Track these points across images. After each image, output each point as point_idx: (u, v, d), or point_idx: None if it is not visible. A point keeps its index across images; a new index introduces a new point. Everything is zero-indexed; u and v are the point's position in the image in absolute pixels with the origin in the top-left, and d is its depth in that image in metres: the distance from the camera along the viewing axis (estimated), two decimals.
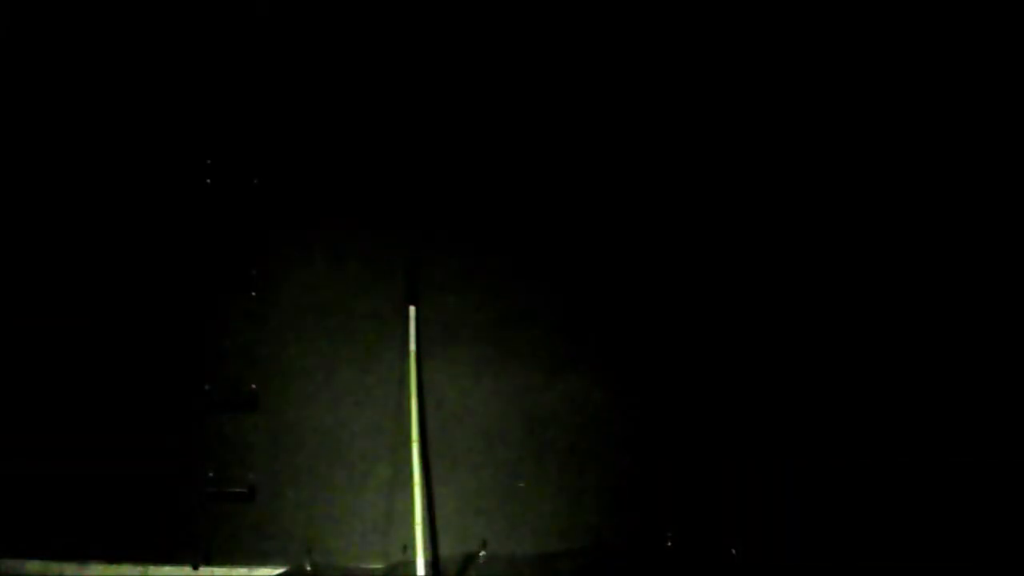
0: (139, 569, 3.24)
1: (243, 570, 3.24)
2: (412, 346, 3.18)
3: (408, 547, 3.16)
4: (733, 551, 3.15)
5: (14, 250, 3.24)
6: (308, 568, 3.22)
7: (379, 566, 3.21)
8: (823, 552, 3.10)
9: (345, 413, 3.24)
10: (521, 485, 3.24)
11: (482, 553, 3.22)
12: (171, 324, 3.23)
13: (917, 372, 3.10)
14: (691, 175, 3.18)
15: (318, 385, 3.24)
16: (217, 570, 3.25)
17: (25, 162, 3.22)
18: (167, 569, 3.25)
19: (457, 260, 3.23)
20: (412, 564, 3.08)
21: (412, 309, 3.20)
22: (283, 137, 3.21)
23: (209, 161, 3.20)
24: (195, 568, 3.25)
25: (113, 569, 3.24)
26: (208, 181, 3.22)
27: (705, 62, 3.15)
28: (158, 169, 3.20)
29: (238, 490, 3.24)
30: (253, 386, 3.24)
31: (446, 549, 3.24)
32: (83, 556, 3.25)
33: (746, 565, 3.14)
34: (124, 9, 3.15)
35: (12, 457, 3.24)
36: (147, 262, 3.22)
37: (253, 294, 3.23)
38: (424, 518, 3.14)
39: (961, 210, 3.10)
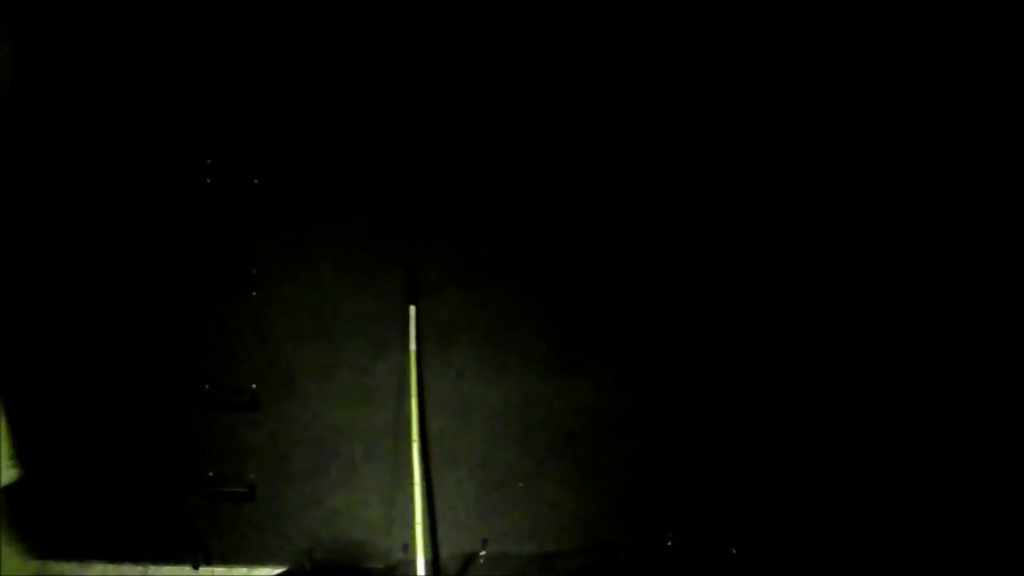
0: (139, 569, 3.25)
1: (243, 570, 3.25)
2: (412, 346, 3.18)
3: (408, 547, 3.17)
4: (733, 551, 3.16)
5: (14, 250, 3.24)
6: (308, 568, 3.22)
7: (379, 566, 3.22)
8: (823, 552, 3.10)
9: (345, 413, 3.24)
10: (521, 485, 3.24)
11: (482, 553, 3.22)
12: (171, 324, 3.23)
13: (918, 372, 3.10)
14: (691, 176, 3.17)
15: (318, 385, 3.24)
16: (217, 570, 3.25)
17: (23, 162, 3.22)
18: (167, 569, 3.26)
19: (458, 260, 3.23)
20: (412, 564, 3.09)
21: (412, 309, 3.20)
22: (283, 137, 3.21)
23: (209, 161, 3.20)
24: (195, 568, 3.25)
25: (113, 569, 3.24)
26: (208, 181, 3.22)
27: (705, 63, 3.15)
28: (158, 169, 3.20)
29: (238, 490, 3.24)
30: (253, 386, 3.24)
31: (446, 549, 3.24)
32: (83, 556, 3.25)
33: (746, 565, 3.14)
34: (123, 8, 3.14)
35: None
36: (147, 262, 3.22)
37: (253, 294, 3.23)
38: (424, 518, 3.14)
39: (961, 210, 3.09)
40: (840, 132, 3.12)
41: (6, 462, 1.14)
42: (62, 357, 3.24)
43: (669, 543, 3.19)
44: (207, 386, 3.24)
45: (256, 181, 3.22)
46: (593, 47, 3.15)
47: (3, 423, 1.10)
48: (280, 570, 3.22)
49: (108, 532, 3.26)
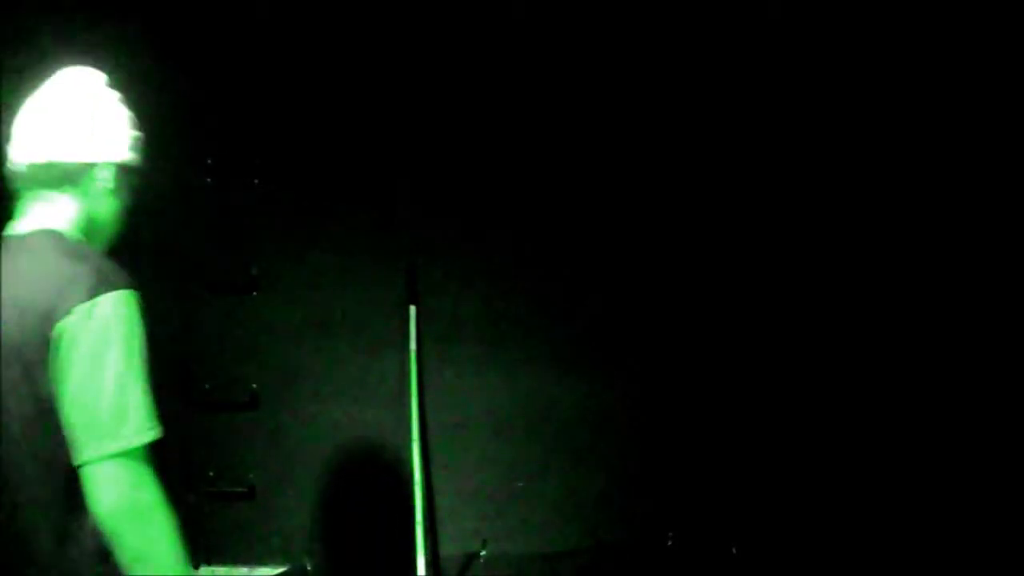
0: None
1: (243, 570, 3.24)
2: (412, 346, 3.18)
3: (409, 547, 3.16)
4: (733, 551, 3.15)
5: None
6: (308, 568, 3.22)
7: (379, 566, 3.21)
8: (823, 552, 3.09)
9: (345, 412, 3.24)
10: (521, 485, 3.24)
11: (482, 553, 3.22)
12: (171, 324, 3.23)
13: (917, 371, 3.09)
14: (695, 176, 3.18)
15: (318, 385, 3.24)
16: (217, 570, 3.25)
17: None
18: None
19: (458, 260, 3.23)
20: (412, 564, 3.09)
21: (413, 309, 3.20)
22: (283, 136, 3.21)
23: (209, 161, 3.21)
24: (195, 568, 3.25)
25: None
26: (208, 181, 3.22)
27: (705, 63, 3.15)
28: (158, 169, 3.19)
29: (238, 490, 3.24)
30: (253, 386, 3.24)
31: (446, 549, 3.24)
32: None
33: (746, 565, 3.14)
34: (124, 7, 3.14)
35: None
36: (147, 262, 3.21)
37: (253, 294, 3.23)
38: (424, 518, 3.14)
39: (960, 211, 3.10)
40: (840, 133, 3.13)
41: (151, 423, 1.43)
42: None
43: (669, 543, 3.19)
44: (207, 386, 3.24)
45: (256, 181, 3.22)
46: (595, 46, 3.15)
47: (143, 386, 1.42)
48: (280, 570, 3.22)
49: None
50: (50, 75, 1.61)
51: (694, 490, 3.20)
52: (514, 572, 3.19)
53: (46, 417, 1.38)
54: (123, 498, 1.39)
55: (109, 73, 1.70)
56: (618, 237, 3.21)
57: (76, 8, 3.07)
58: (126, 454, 1.39)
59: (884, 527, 3.11)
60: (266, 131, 3.20)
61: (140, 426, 1.41)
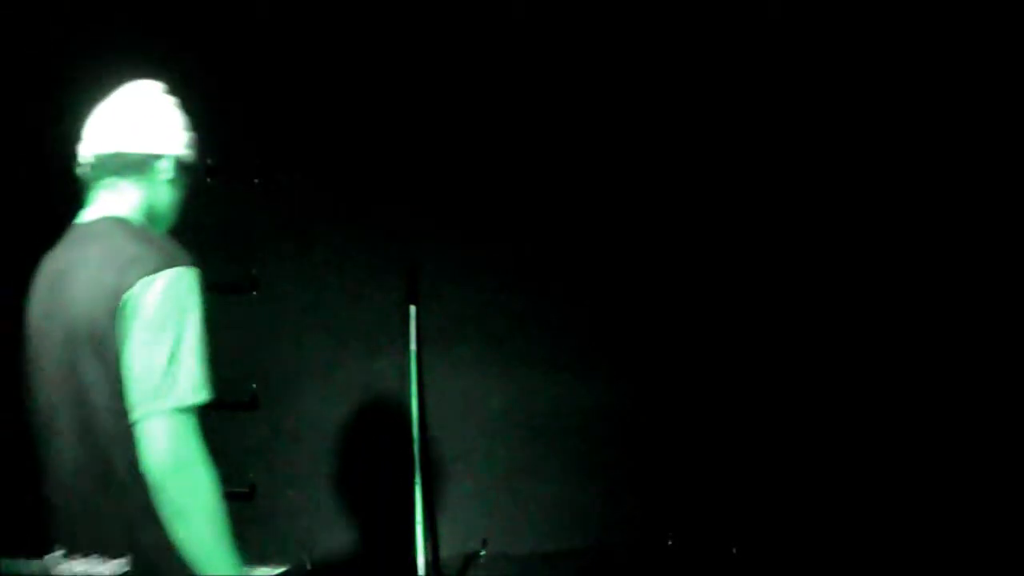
0: None
1: (243, 570, 3.24)
2: (413, 346, 3.18)
3: (409, 547, 3.16)
4: (733, 551, 3.15)
5: (15, 252, 3.24)
6: (308, 568, 3.22)
7: (379, 566, 3.21)
8: (823, 552, 3.10)
9: (345, 413, 3.24)
10: (522, 485, 3.24)
11: (483, 553, 3.22)
12: None
13: (917, 371, 3.10)
14: (695, 177, 3.18)
15: (318, 385, 3.24)
16: None
17: (26, 160, 3.22)
18: None
19: (459, 260, 3.23)
20: (412, 564, 3.09)
21: (413, 309, 3.20)
22: (284, 137, 3.21)
23: (209, 161, 3.20)
24: None
25: None
26: (208, 181, 3.21)
27: (704, 65, 3.15)
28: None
29: (238, 490, 3.23)
30: (253, 386, 3.24)
31: (446, 549, 3.24)
32: None
33: (746, 565, 3.14)
34: (125, 6, 3.14)
35: (14, 457, 3.24)
36: None
37: (253, 294, 3.23)
38: (424, 518, 3.14)
39: (960, 211, 3.10)
40: (839, 133, 3.13)
41: (203, 385, 1.58)
42: None
43: (669, 543, 3.19)
44: None
45: (256, 181, 3.22)
46: (594, 48, 3.15)
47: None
48: (280, 570, 3.22)
49: None
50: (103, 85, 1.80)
51: (694, 490, 3.20)
52: (514, 572, 3.19)
53: (120, 385, 1.48)
54: (170, 452, 1.48)
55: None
56: (617, 237, 3.21)
57: (76, 10, 3.08)
58: (177, 411, 1.48)
59: (884, 527, 3.11)
60: (266, 131, 3.20)
61: (193, 387, 1.50)
